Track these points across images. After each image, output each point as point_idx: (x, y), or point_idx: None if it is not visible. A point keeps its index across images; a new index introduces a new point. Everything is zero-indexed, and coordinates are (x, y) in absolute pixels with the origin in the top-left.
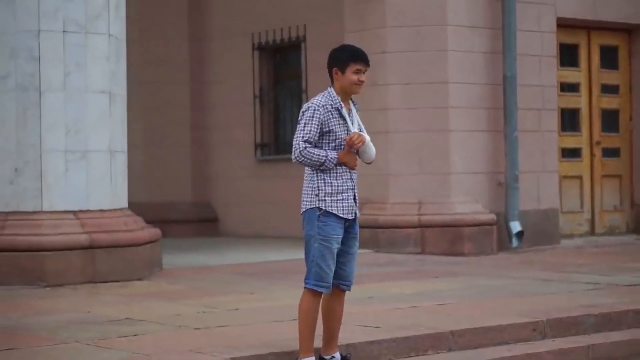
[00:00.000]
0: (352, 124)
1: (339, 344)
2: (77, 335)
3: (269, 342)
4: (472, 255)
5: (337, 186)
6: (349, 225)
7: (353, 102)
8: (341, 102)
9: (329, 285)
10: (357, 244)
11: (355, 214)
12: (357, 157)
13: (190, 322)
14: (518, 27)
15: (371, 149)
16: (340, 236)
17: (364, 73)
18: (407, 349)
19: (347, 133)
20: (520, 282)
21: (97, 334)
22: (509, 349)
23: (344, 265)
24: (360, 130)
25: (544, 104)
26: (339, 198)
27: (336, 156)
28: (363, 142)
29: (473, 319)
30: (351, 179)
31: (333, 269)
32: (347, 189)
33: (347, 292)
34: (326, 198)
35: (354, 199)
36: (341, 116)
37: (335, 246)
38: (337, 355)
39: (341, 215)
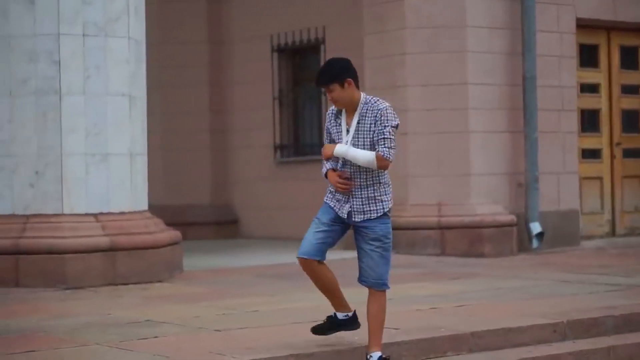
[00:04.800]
0: (348, 133)
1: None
2: (98, 337)
3: (289, 344)
4: (492, 257)
5: (335, 190)
6: (357, 226)
7: (373, 115)
8: (343, 110)
9: (303, 251)
10: (374, 243)
11: (353, 217)
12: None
13: (210, 324)
14: (537, 28)
15: (353, 157)
16: (329, 221)
17: (329, 92)
18: (427, 350)
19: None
20: (541, 284)
21: (118, 336)
22: (529, 351)
23: (359, 260)
24: (353, 141)
25: (564, 105)
26: (334, 192)
27: (325, 171)
28: (327, 155)
29: (493, 320)
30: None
31: (311, 242)
32: (343, 196)
33: (383, 291)
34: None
35: (354, 203)
36: (340, 124)
37: (320, 226)
38: (375, 354)
39: (330, 205)
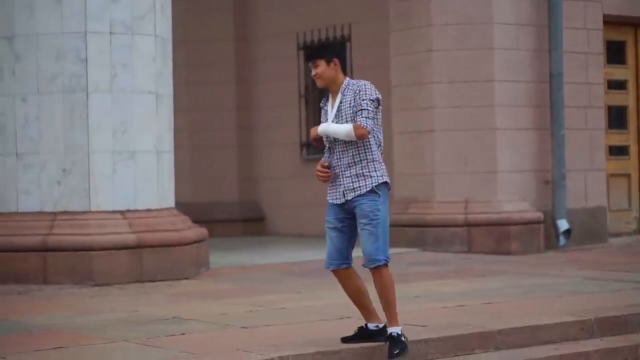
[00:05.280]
0: (331, 112)
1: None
2: (125, 334)
3: (316, 341)
4: (519, 254)
5: (333, 173)
6: (353, 208)
7: (352, 92)
8: (329, 95)
9: (327, 264)
10: (362, 220)
11: (345, 196)
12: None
13: (236, 321)
14: (564, 25)
15: (334, 132)
16: (335, 220)
17: (314, 67)
18: (454, 347)
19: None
20: (568, 281)
21: (145, 333)
22: (556, 348)
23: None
24: (336, 119)
25: (591, 102)
26: (330, 185)
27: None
28: (312, 136)
29: (520, 317)
30: (339, 164)
31: (330, 251)
32: (336, 175)
33: (378, 267)
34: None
35: (344, 183)
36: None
37: (331, 230)
38: (394, 330)
39: (330, 200)
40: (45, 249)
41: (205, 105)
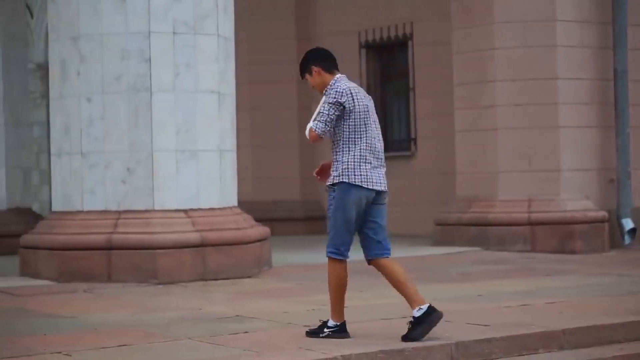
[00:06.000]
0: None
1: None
2: (189, 332)
3: (378, 340)
4: (583, 253)
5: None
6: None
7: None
8: None
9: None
10: (331, 208)
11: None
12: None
13: (299, 319)
14: (628, 21)
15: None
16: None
17: (309, 81)
18: (517, 347)
19: None
20: (633, 280)
21: (209, 331)
22: (620, 348)
23: None
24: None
25: None
26: None
27: None
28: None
29: (584, 317)
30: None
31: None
32: None
33: (330, 258)
34: None
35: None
36: None
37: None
38: (330, 322)
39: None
40: (109, 247)
41: (267, 104)
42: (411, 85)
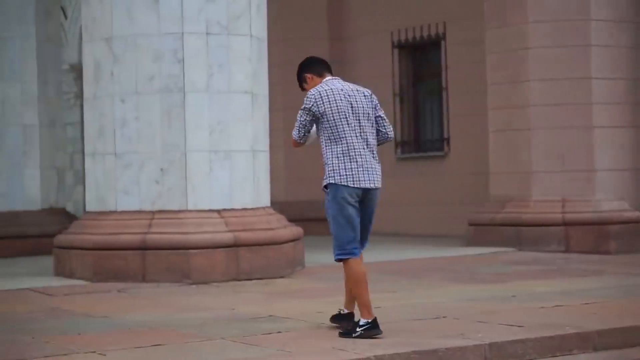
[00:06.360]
0: None
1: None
2: (223, 332)
3: (411, 340)
4: (618, 254)
5: None
6: None
7: None
8: None
9: None
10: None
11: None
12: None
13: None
14: None
15: None
16: None
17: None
18: (552, 348)
19: None
20: None
21: (242, 331)
22: None
23: None
24: None
25: None
26: None
27: None
28: None
29: (620, 318)
30: None
31: None
32: None
33: (340, 261)
34: None
35: None
36: None
37: None
38: (362, 320)
39: None
40: (144, 247)
41: (299, 104)
42: (444, 85)
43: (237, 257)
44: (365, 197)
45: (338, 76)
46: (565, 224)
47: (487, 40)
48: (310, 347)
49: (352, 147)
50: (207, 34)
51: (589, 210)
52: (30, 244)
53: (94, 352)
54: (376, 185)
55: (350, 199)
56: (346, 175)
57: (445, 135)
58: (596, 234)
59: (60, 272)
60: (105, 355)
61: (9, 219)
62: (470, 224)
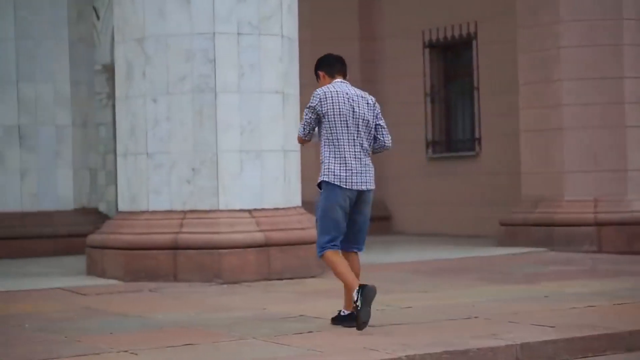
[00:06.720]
0: None
1: (508, 342)
2: (254, 331)
3: (443, 340)
4: None
5: None
6: None
7: None
8: None
9: None
10: (319, 207)
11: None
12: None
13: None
14: None
15: None
16: None
17: None
18: (583, 349)
19: None
20: None
21: (273, 331)
22: None
23: None
24: None
25: None
26: None
27: None
28: None
29: None
30: None
31: None
32: None
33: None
34: None
35: None
36: None
37: None
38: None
39: None
40: (175, 247)
41: None
42: (475, 85)
43: (268, 256)
44: (358, 198)
45: (369, 76)
46: (598, 224)
47: (518, 39)
48: (341, 346)
49: (346, 150)
50: (238, 34)
51: (622, 210)
52: (62, 244)
53: (126, 351)
54: (368, 187)
55: (343, 203)
56: (340, 176)
57: (477, 135)
58: (629, 234)
59: (92, 271)
60: (137, 354)
61: (41, 218)
62: (502, 224)
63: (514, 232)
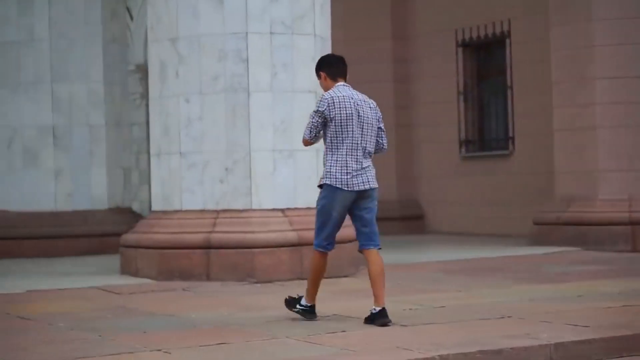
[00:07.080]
0: None
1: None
2: (287, 331)
3: (476, 340)
4: None
5: None
6: None
7: None
8: None
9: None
10: (318, 207)
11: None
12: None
13: (396, 319)
14: None
15: None
16: None
17: None
18: (618, 349)
19: None
20: None
21: (306, 330)
22: None
23: None
24: None
25: None
26: None
27: None
28: None
29: None
30: None
31: None
32: None
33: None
34: None
35: None
36: None
37: None
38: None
39: None
40: (208, 246)
41: None
42: (509, 84)
43: (301, 256)
44: (360, 197)
45: (402, 76)
46: (632, 223)
47: (551, 38)
48: (374, 345)
49: (348, 154)
50: (271, 33)
51: None
52: (96, 243)
53: (159, 350)
54: (371, 186)
55: (342, 204)
56: (341, 179)
57: (510, 134)
58: None
59: (126, 270)
60: (170, 353)
61: (75, 218)
62: (535, 223)
63: (547, 231)
